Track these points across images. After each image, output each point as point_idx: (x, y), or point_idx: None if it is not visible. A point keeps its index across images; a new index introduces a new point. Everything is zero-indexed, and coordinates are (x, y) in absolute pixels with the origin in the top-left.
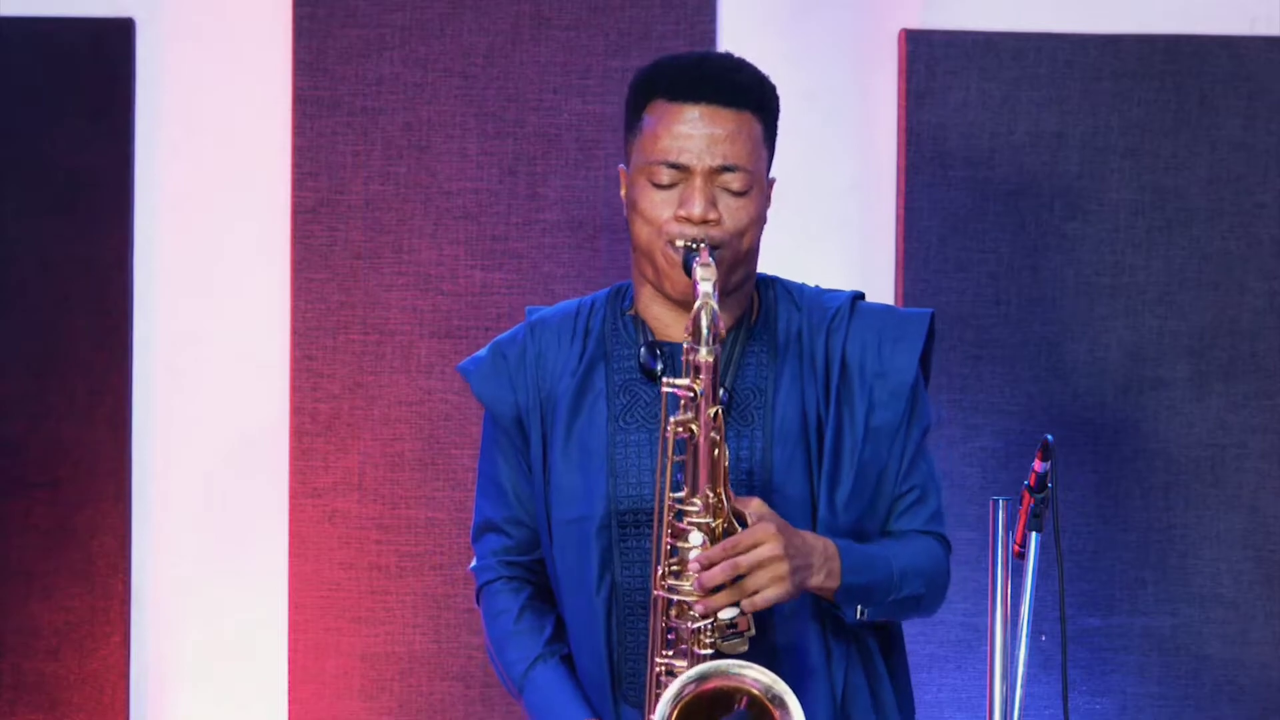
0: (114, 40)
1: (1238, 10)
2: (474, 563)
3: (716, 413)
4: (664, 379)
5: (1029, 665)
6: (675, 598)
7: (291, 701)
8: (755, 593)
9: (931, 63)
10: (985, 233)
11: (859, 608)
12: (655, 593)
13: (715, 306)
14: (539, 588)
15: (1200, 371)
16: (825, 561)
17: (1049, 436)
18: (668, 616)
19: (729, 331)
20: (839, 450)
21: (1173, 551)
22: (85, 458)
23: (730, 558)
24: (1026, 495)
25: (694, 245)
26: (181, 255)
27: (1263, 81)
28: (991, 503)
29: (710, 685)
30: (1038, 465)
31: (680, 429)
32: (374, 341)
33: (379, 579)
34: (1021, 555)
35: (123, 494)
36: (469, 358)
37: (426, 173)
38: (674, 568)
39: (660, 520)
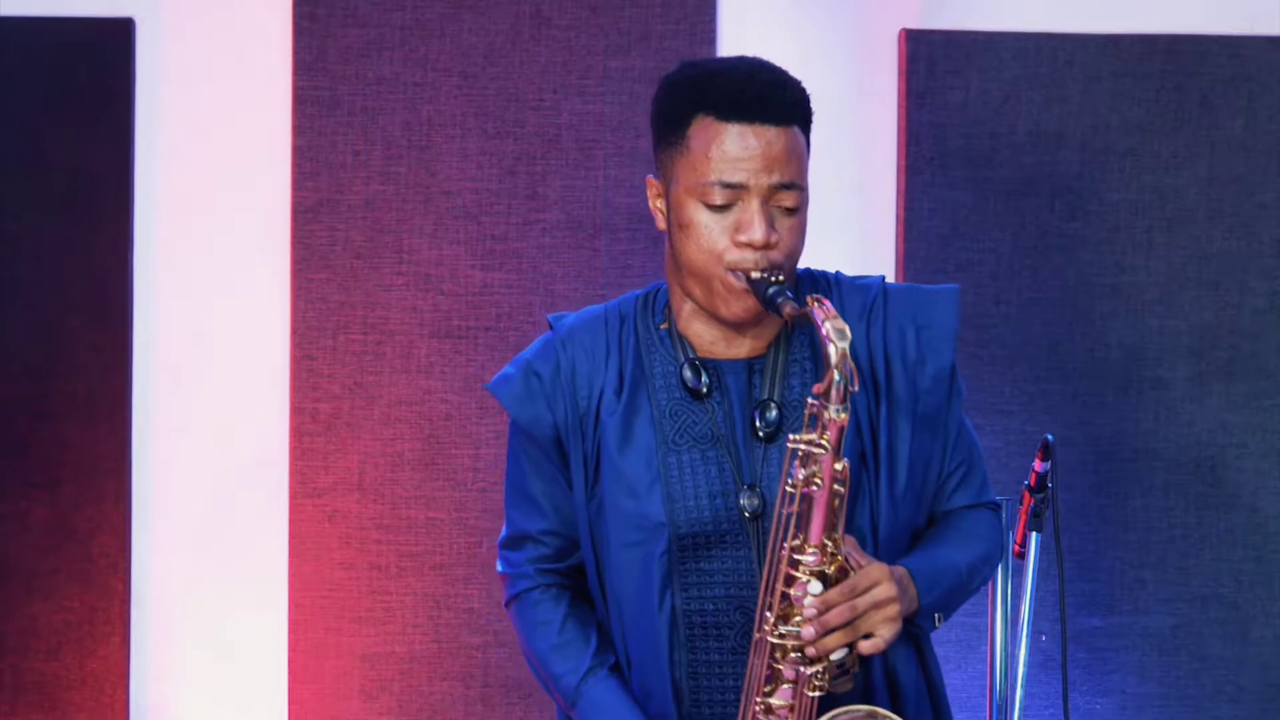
0: (114, 40)
1: (1238, 10)
2: (504, 568)
3: (844, 466)
4: (790, 435)
5: (1029, 665)
6: (786, 643)
7: (291, 701)
8: (869, 635)
9: (931, 63)
10: (985, 233)
11: (935, 616)
12: (758, 636)
13: (852, 365)
14: (576, 593)
15: (1200, 371)
16: (905, 591)
17: (1049, 436)
18: (773, 659)
19: (769, 345)
20: (894, 445)
21: (1173, 551)
22: (85, 458)
23: (848, 601)
24: (1026, 495)
25: (769, 278)
26: (181, 255)
27: (1263, 81)
28: None
29: None
30: (1038, 465)
31: (805, 485)
32: (374, 341)
33: (379, 579)
34: (1021, 555)
35: (123, 494)
36: (497, 375)
37: (426, 173)
38: (782, 612)
39: (774, 570)
